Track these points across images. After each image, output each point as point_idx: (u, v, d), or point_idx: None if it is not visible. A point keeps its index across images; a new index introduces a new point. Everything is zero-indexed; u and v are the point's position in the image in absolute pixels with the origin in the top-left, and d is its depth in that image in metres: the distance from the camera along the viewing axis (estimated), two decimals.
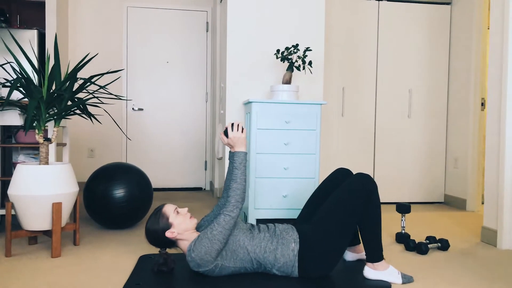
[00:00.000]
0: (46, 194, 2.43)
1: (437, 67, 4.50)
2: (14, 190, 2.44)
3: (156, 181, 5.15)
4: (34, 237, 2.73)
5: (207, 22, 5.17)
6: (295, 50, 3.23)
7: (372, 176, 2.20)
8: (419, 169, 4.50)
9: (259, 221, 3.43)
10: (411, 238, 3.03)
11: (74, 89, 2.59)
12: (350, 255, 2.43)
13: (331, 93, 4.33)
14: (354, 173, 4.06)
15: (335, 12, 4.30)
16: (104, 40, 5.00)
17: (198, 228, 2.28)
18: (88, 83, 2.66)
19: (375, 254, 2.11)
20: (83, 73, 4.92)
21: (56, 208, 2.45)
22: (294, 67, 3.21)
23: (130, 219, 3.11)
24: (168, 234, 2.07)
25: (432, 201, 4.53)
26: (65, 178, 2.53)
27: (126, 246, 2.71)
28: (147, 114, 5.10)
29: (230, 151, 2.23)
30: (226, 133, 2.17)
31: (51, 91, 2.52)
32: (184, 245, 2.11)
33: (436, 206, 4.36)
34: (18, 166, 2.48)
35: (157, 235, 2.09)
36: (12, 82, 2.32)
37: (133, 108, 5.06)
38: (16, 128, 3.19)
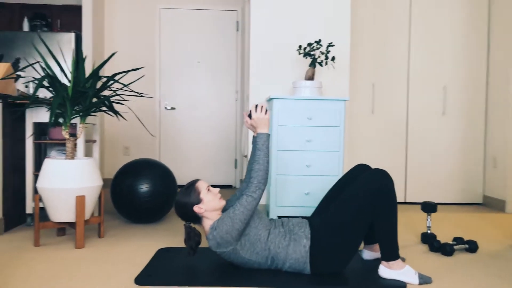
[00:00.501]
0: (70, 188, 2.54)
1: (475, 61, 4.30)
2: (42, 183, 2.56)
3: (187, 178, 5.24)
4: (63, 229, 2.85)
5: (237, 21, 5.20)
6: (318, 46, 3.19)
7: (388, 172, 2.12)
8: (455, 169, 4.31)
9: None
10: (438, 238, 2.91)
11: (99, 87, 2.69)
12: (367, 254, 2.37)
13: (360, 89, 4.23)
14: None
15: (364, 5, 4.20)
16: (138, 41, 5.16)
17: (222, 211, 2.28)
18: (112, 81, 2.75)
19: (390, 253, 2.04)
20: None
21: (80, 201, 2.55)
22: (317, 63, 3.16)
23: (154, 214, 3.18)
24: (196, 208, 2.09)
25: (470, 202, 4.33)
26: (89, 172, 2.63)
27: (148, 240, 2.77)
28: (179, 113, 5.20)
29: (253, 136, 2.22)
30: (250, 116, 2.19)
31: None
32: (207, 224, 2.11)
33: (473, 208, 4.16)
34: (45, 161, 2.61)
35: (186, 208, 2.11)
36: (38, 80, 2.44)
37: (165, 107, 5.18)
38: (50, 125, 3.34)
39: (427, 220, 2.79)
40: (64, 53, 4.69)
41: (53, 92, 2.64)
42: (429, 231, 2.78)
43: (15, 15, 5.15)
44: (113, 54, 2.70)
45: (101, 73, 4.95)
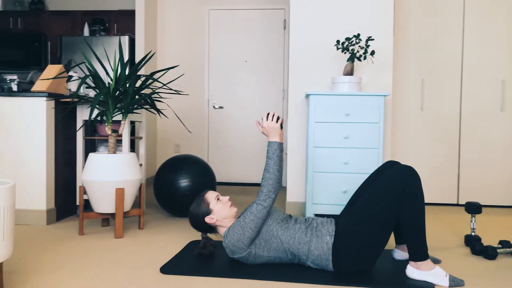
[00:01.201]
0: (111, 180, 2.68)
1: None
2: (85, 175, 2.73)
3: (235, 176, 5.32)
4: (107, 219, 3.02)
5: (284, 20, 5.20)
6: (357, 40, 3.11)
7: (415, 169, 2.02)
8: None
9: (317, 216, 3.36)
10: (483, 241, 2.72)
11: (139, 86, 2.82)
12: (399, 254, 2.27)
13: (408, 85, 4.06)
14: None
15: None
16: (188, 42, 5.32)
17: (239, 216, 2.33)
18: (151, 80, 2.87)
19: (418, 253, 1.95)
20: (168, 74, 5.29)
21: (119, 193, 2.69)
22: (355, 58, 3.09)
23: None
24: (207, 219, 2.15)
25: None
26: (128, 167, 2.76)
27: (183, 232, 2.86)
28: (226, 112, 5.30)
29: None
30: None
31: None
32: (222, 231, 2.17)
33: None
34: (90, 155, 2.78)
35: (197, 219, 2.18)
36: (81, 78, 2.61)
37: (214, 106, 5.30)
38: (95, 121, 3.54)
39: (471, 221, 2.62)
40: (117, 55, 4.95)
41: (96, 90, 2.81)
42: (473, 233, 2.62)
43: (77, 21, 5.53)
44: (150, 55, 2.82)
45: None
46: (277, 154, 2.10)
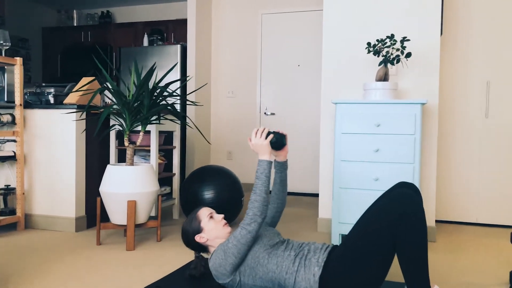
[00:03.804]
0: (124, 192, 2.69)
1: None
2: (102, 186, 2.78)
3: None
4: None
5: None
6: (391, 42, 2.77)
7: (412, 194, 1.68)
8: None
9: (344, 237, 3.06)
10: None
11: (155, 97, 2.80)
12: None
13: (466, 89, 3.55)
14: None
15: None
16: (241, 47, 5.25)
17: None
18: (166, 91, 2.83)
19: None
20: (225, 81, 5.28)
21: (130, 205, 2.68)
22: (388, 62, 2.76)
23: None
24: (197, 238, 2.03)
25: None
26: (143, 178, 2.75)
27: None
28: (278, 118, 5.13)
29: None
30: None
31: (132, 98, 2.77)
32: (212, 251, 2.04)
33: None
34: (107, 166, 2.82)
35: (188, 237, 2.07)
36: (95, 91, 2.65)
37: (265, 113, 5.17)
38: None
39: None
40: (171, 63, 5.05)
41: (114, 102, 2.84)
42: None
43: (139, 32, 5.77)
44: (173, 67, 2.78)
45: (205, 83, 5.19)
46: (265, 174, 1.91)
